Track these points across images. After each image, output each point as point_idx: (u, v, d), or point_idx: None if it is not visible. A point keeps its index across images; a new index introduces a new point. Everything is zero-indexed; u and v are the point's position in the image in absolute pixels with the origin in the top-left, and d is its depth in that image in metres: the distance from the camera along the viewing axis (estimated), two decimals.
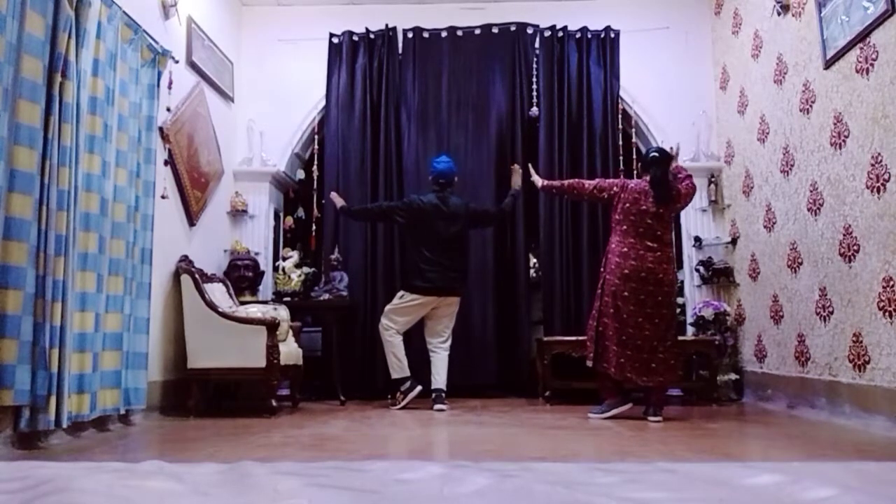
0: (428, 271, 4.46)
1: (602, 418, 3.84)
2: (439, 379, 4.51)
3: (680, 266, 5.50)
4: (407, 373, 4.54)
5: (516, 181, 4.77)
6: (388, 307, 4.67)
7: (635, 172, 5.53)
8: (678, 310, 5.18)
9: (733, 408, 4.50)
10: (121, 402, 3.51)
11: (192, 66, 4.72)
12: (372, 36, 5.63)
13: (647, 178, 3.97)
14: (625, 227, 3.90)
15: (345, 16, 5.70)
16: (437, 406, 4.36)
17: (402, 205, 4.63)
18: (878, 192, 3.44)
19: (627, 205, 3.91)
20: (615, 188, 4.01)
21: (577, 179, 4.42)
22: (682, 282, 5.42)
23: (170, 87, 4.20)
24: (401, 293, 4.62)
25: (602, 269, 3.99)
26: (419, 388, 4.51)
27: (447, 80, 5.55)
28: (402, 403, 4.46)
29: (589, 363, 3.96)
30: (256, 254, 5.31)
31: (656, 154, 3.99)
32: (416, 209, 4.53)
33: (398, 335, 4.59)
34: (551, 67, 5.52)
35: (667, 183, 3.88)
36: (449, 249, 4.50)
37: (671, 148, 4.10)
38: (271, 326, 4.09)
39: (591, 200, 4.51)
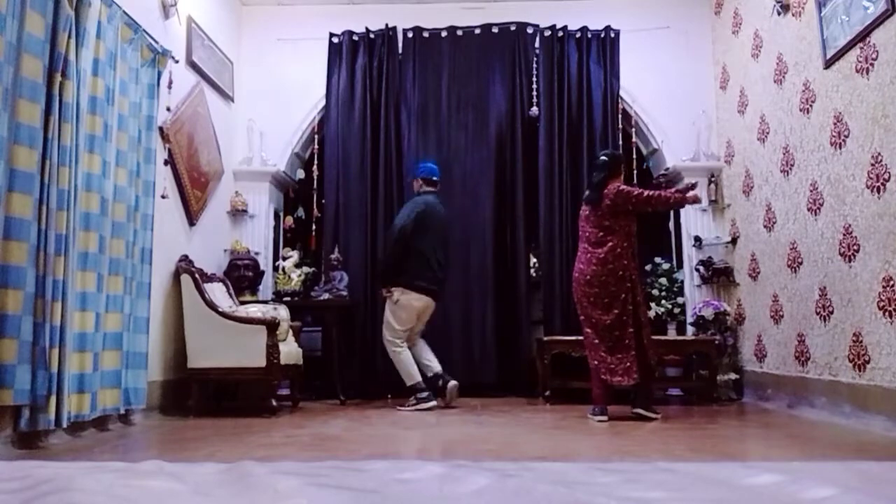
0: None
1: (595, 421, 3.81)
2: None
3: (680, 266, 5.51)
4: (418, 378, 4.46)
5: None
6: None
7: (635, 172, 5.54)
8: (678, 309, 5.24)
9: (733, 408, 4.50)
10: (121, 401, 3.51)
11: (192, 65, 4.72)
12: (372, 36, 5.63)
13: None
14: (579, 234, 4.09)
15: (345, 16, 5.70)
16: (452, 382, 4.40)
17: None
18: (878, 191, 3.44)
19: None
20: None
21: None
22: (682, 281, 5.42)
23: (170, 87, 4.20)
24: None
25: None
26: (433, 403, 4.37)
27: (447, 80, 5.55)
28: (411, 408, 4.36)
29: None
30: (256, 253, 5.31)
31: (605, 158, 4.03)
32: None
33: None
34: (551, 67, 5.52)
35: (598, 187, 3.91)
36: None
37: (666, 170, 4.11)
38: (271, 326, 4.09)
39: None
